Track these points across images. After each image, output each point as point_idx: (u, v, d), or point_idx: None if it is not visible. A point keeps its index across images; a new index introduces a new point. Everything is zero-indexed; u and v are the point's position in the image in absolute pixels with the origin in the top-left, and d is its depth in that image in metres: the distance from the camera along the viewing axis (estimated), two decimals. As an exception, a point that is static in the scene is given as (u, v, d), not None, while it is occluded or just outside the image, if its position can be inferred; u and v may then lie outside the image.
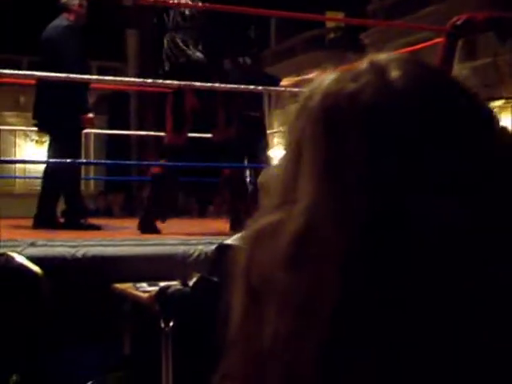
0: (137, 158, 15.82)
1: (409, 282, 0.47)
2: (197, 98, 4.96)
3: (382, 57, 0.54)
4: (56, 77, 4.60)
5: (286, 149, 0.56)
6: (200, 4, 5.00)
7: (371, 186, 0.49)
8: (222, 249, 2.75)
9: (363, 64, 0.54)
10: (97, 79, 4.82)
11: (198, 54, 5.07)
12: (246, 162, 6.24)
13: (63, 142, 5.39)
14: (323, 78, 0.55)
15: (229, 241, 2.71)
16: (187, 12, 5.08)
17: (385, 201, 0.49)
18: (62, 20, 5.53)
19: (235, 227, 6.00)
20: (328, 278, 0.48)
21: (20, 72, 5.30)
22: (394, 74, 0.51)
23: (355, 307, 0.48)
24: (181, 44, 5.06)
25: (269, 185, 0.56)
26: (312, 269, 0.49)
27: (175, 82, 4.59)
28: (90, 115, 5.54)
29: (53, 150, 5.55)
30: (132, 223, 5.66)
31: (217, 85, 5.18)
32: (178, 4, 5.01)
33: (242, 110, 5.99)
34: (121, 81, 4.71)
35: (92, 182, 17.05)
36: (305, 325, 0.49)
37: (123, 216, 8.32)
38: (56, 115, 5.30)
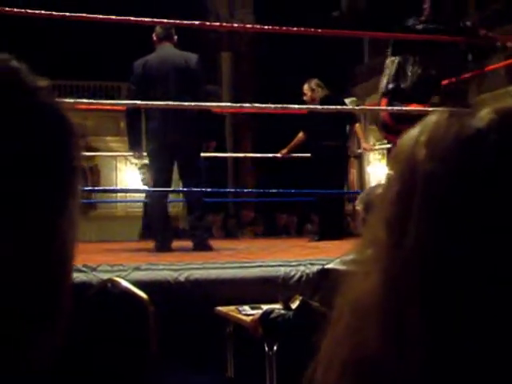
0: (233, 179, 15.97)
1: None
2: None
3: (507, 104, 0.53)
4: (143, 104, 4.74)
5: (395, 183, 0.54)
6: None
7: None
8: (324, 273, 2.73)
9: (485, 111, 0.53)
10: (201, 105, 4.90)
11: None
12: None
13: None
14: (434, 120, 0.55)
15: (330, 265, 2.68)
16: None
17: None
18: (175, 49, 5.48)
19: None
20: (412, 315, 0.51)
21: (121, 102, 5.46)
22: None
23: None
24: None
25: (373, 215, 0.56)
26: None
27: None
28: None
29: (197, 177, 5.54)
30: (232, 244, 5.72)
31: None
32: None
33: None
34: (224, 106, 4.83)
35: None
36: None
37: (222, 237, 8.40)
38: (194, 142, 5.39)
